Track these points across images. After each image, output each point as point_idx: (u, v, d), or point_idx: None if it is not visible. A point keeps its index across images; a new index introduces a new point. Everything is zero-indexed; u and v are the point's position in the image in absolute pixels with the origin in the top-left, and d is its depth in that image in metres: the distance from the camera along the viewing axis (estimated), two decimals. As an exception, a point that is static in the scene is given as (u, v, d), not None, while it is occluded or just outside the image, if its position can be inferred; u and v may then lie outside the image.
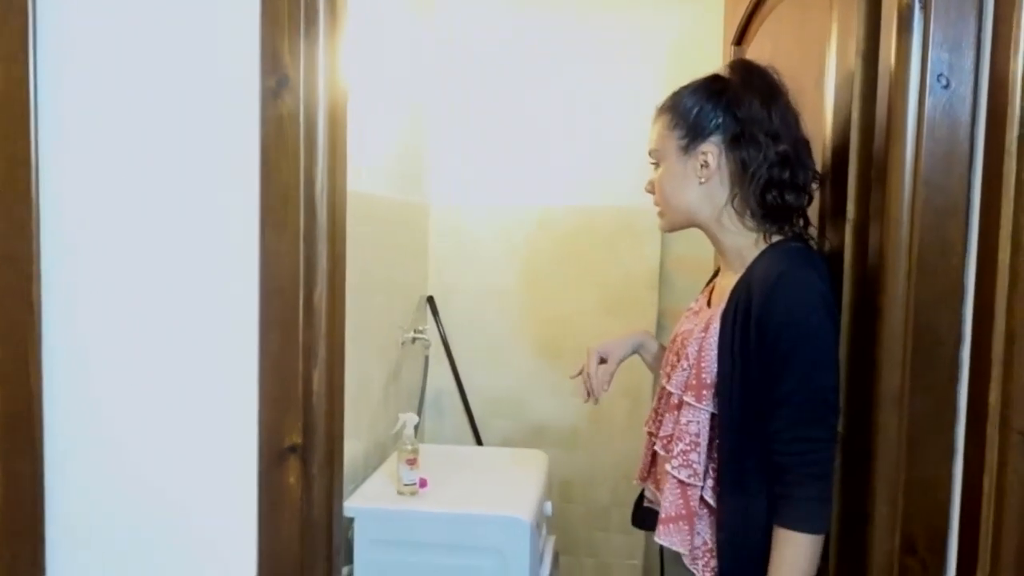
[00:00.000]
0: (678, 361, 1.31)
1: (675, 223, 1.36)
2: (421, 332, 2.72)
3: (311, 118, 1.09)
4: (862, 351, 1.10)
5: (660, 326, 2.82)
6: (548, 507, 2.15)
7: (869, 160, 1.10)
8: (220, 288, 1.11)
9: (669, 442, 1.29)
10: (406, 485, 1.99)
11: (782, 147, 1.23)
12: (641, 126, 2.79)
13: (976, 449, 0.92)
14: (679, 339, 1.35)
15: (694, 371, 1.25)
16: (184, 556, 1.15)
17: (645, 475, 1.45)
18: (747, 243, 1.29)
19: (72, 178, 1.12)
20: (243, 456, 1.12)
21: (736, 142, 1.26)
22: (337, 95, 1.13)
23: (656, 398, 1.42)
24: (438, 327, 2.86)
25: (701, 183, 1.29)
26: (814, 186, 1.28)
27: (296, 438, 1.11)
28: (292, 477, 1.12)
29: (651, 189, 1.38)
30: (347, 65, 1.16)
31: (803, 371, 1.15)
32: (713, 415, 1.23)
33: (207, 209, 1.11)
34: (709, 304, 1.36)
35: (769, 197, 1.24)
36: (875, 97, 1.08)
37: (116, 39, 1.11)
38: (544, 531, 2.18)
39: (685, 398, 1.26)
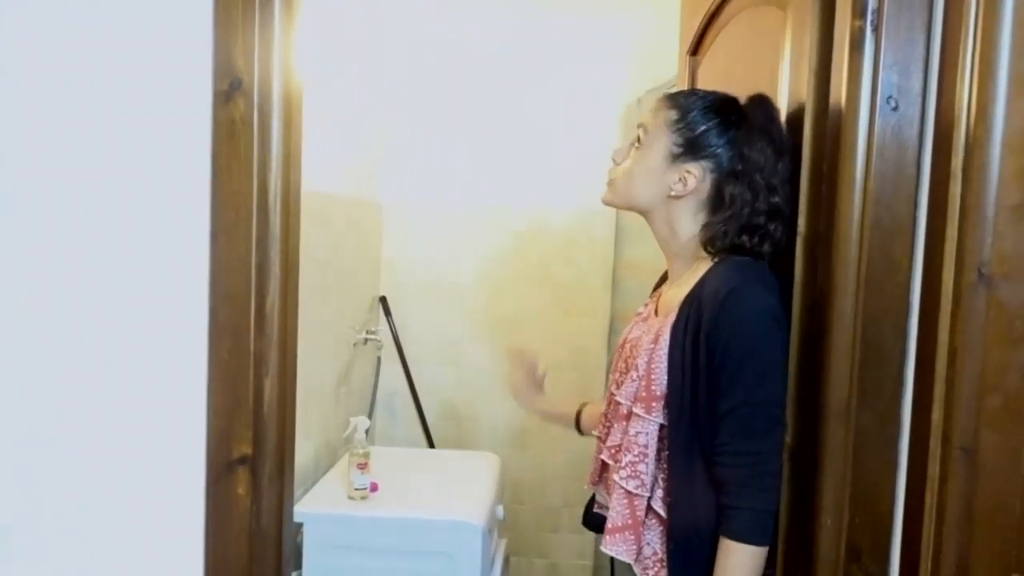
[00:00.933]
0: (627, 370, 1.31)
1: (619, 204, 1.36)
2: (373, 333, 2.70)
3: (265, 122, 1.07)
4: (810, 364, 1.12)
5: (612, 329, 2.85)
6: (500, 511, 2.15)
7: (820, 176, 1.12)
8: (168, 295, 1.08)
9: (617, 452, 1.29)
10: (357, 489, 1.97)
11: (776, 199, 1.24)
12: (598, 130, 2.81)
13: (919, 463, 0.95)
14: (628, 346, 1.36)
15: (643, 383, 1.25)
16: (128, 569, 1.11)
17: (596, 479, 1.46)
18: (700, 258, 1.29)
19: (9, 181, 1.08)
20: (190, 467, 1.09)
21: (733, 177, 1.25)
22: (292, 98, 1.11)
23: (605, 403, 1.43)
24: (391, 328, 2.84)
25: (670, 195, 1.29)
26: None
27: (246, 448, 1.09)
28: (241, 488, 1.09)
29: (619, 159, 1.35)
30: (302, 66, 1.14)
31: (749, 385, 1.16)
32: (662, 426, 1.24)
33: (154, 214, 1.08)
34: (656, 312, 1.37)
35: (744, 239, 1.24)
36: (827, 115, 1.10)
37: (59, 35, 1.07)
38: (496, 535, 2.18)
39: (634, 409, 1.25)
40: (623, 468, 1.26)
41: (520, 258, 2.86)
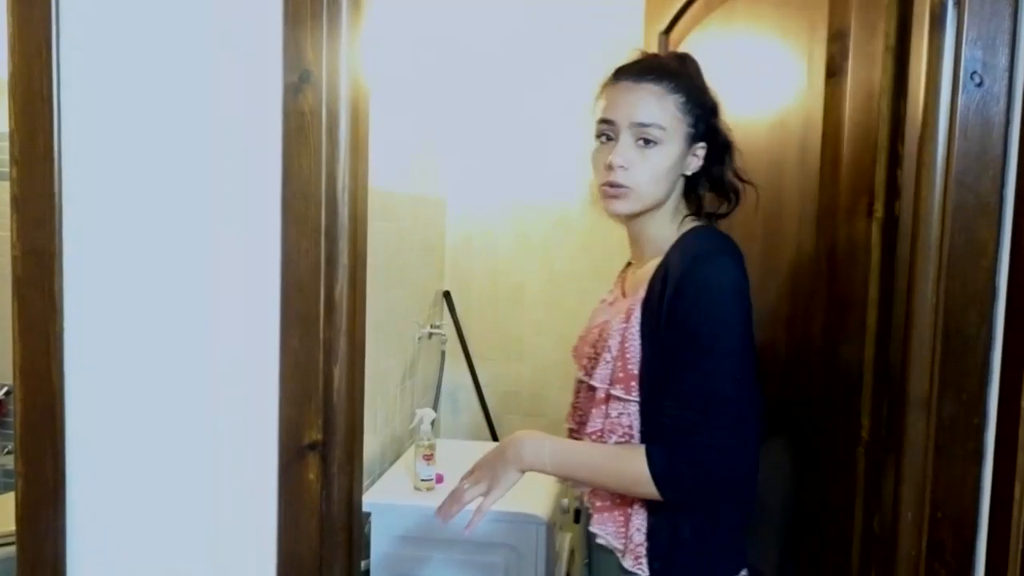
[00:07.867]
0: (596, 354, 1.25)
1: (641, 208, 1.23)
2: (438, 327, 2.72)
3: (333, 114, 1.09)
4: (887, 353, 1.08)
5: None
6: (566, 504, 2.14)
7: (896, 157, 1.08)
8: (241, 284, 1.11)
9: (600, 436, 1.22)
10: (423, 480, 1.99)
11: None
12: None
13: (1007, 456, 0.91)
14: (595, 331, 1.30)
15: (619, 363, 1.19)
16: (203, 552, 1.15)
17: None
18: (670, 231, 1.25)
19: (94, 174, 1.13)
20: (263, 453, 1.11)
21: (714, 133, 1.26)
22: (359, 90, 1.12)
23: (574, 392, 1.37)
24: (455, 322, 2.86)
25: (684, 175, 1.26)
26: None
27: (316, 435, 1.11)
28: (312, 474, 1.11)
29: (628, 165, 1.20)
30: (369, 60, 1.15)
31: (706, 366, 1.12)
32: (642, 404, 1.19)
33: (228, 205, 1.11)
34: (624, 295, 1.32)
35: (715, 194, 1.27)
36: (905, 94, 1.06)
37: (137, 34, 1.10)
38: (561, 528, 2.17)
39: (613, 391, 1.20)
40: None
41: (581, 254, 2.84)
